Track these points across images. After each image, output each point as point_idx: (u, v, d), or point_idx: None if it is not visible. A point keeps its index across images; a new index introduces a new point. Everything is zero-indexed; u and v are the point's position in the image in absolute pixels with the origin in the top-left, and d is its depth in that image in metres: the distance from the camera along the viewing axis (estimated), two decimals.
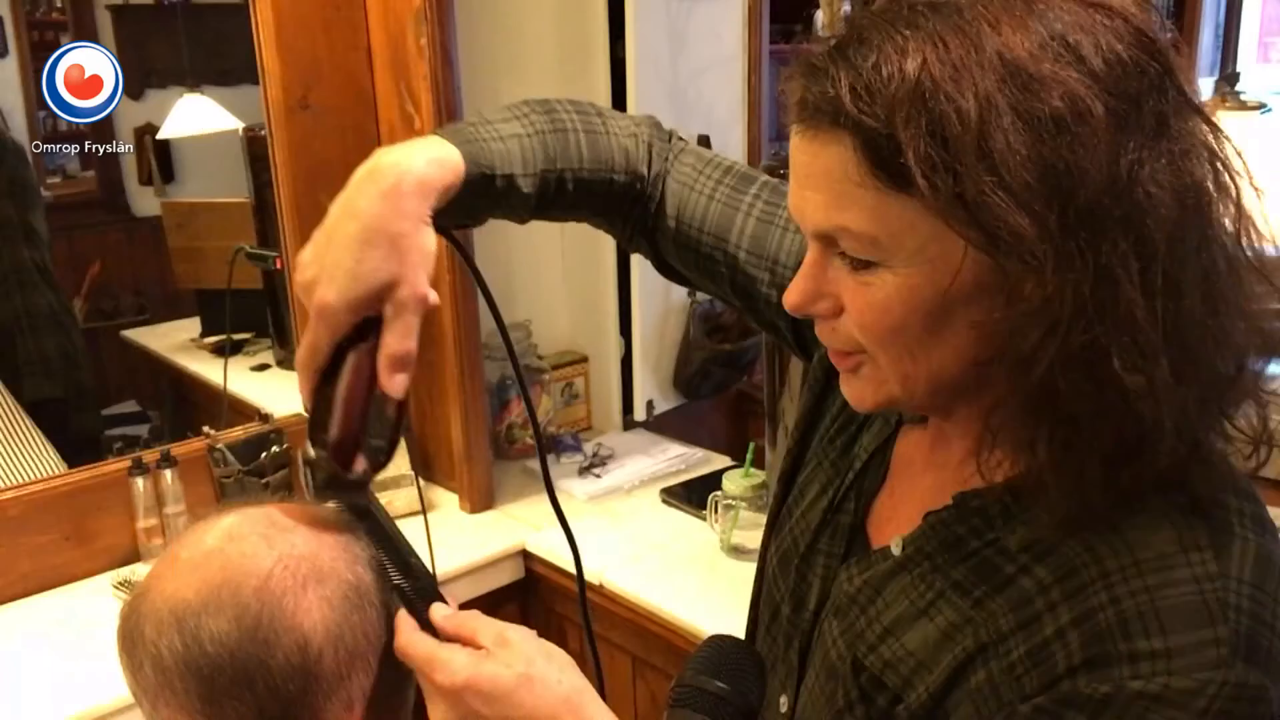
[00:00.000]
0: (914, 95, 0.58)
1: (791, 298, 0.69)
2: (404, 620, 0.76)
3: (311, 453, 0.74)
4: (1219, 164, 0.62)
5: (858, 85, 0.60)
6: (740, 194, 0.92)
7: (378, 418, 0.74)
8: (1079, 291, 0.58)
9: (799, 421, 0.93)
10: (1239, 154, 0.63)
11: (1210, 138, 0.62)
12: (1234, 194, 0.63)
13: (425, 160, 0.75)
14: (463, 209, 0.80)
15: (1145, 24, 0.61)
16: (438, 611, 0.76)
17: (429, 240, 0.74)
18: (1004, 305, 0.61)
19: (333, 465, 0.73)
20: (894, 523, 0.80)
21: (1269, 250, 0.64)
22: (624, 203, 0.92)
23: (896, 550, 0.75)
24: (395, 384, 0.73)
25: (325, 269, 0.72)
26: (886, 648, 0.73)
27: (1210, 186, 0.62)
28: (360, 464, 0.75)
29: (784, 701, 0.86)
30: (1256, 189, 0.64)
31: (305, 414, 0.75)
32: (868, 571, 0.78)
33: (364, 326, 0.73)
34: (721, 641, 0.78)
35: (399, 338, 0.72)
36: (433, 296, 0.74)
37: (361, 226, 0.72)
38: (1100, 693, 0.61)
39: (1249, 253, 0.63)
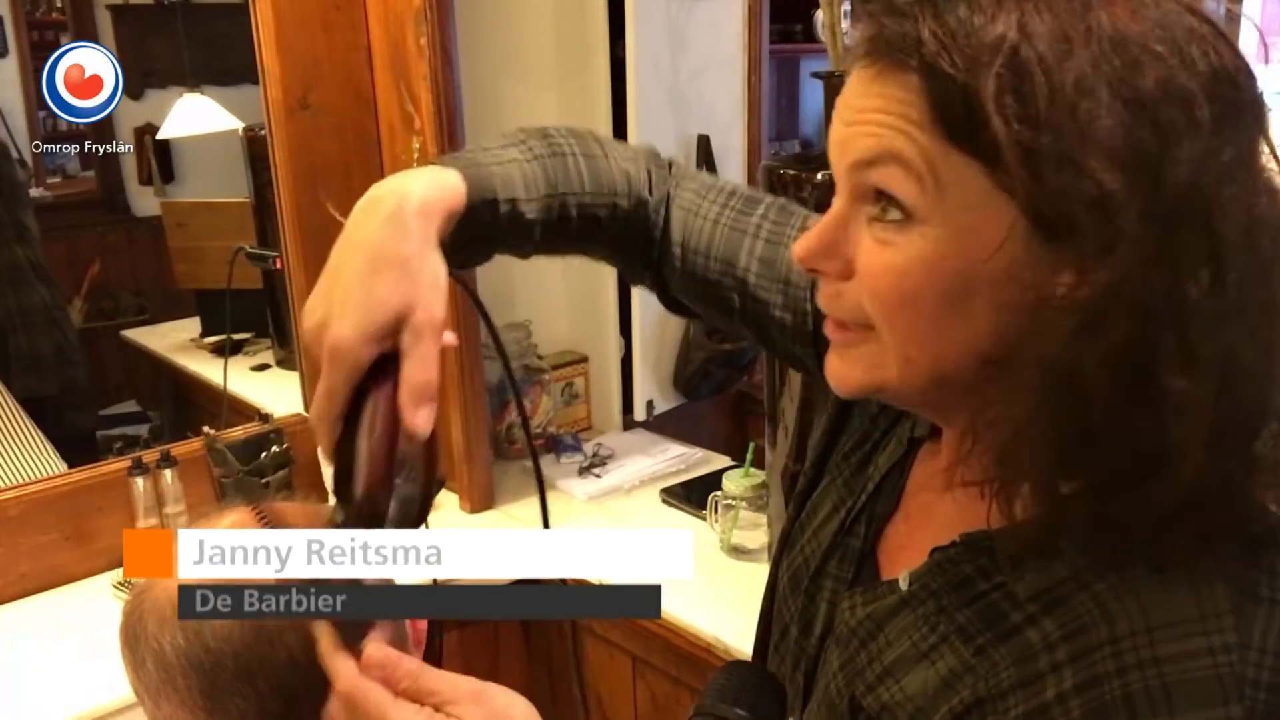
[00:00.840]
0: (1002, 47, 0.55)
1: (802, 247, 0.65)
2: (325, 632, 0.66)
3: (339, 516, 0.67)
4: None
5: (940, 28, 0.56)
6: (746, 216, 0.88)
7: (406, 464, 0.68)
8: (1144, 282, 0.54)
9: (818, 441, 0.89)
10: None
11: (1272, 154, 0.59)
12: None
13: (425, 185, 0.72)
14: (466, 243, 0.76)
15: (1244, 58, 0.58)
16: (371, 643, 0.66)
17: (439, 264, 0.70)
18: (1037, 293, 0.57)
19: (361, 524, 0.67)
20: (906, 551, 0.76)
21: None
22: (628, 231, 0.89)
23: (904, 585, 0.72)
24: (420, 419, 0.66)
25: (334, 305, 0.68)
26: (885, 689, 0.70)
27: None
28: (391, 514, 0.68)
29: None
30: None
31: (327, 464, 0.69)
32: (871, 605, 0.74)
33: (379, 367, 0.67)
34: (740, 668, 0.77)
35: (419, 368, 0.67)
36: (449, 337, 0.70)
37: (367, 256, 0.68)
38: None
39: None
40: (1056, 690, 0.59)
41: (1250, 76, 0.58)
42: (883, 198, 0.60)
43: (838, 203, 0.64)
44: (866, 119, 0.60)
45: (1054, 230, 0.55)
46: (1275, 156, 0.58)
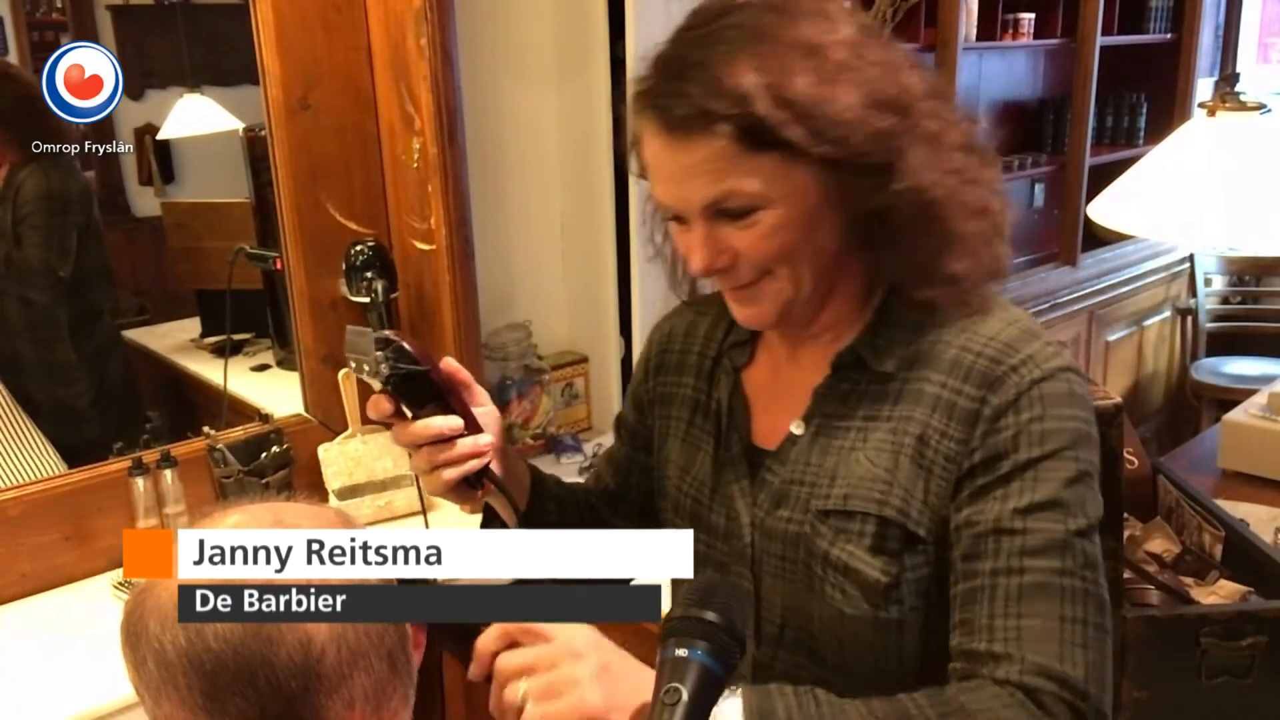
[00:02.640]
0: (756, 86, 0.82)
1: (702, 264, 0.89)
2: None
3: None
4: (924, 66, 0.93)
5: (711, 92, 0.83)
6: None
7: None
8: (907, 154, 0.86)
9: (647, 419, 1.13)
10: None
11: (914, 54, 0.97)
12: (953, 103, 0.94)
13: None
14: None
15: (844, 3, 0.91)
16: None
17: None
18: (855, 190, 0.87)
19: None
20: (777, 433, 0.98)
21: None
22: None
23: (798, 430, 0.97)
24: None
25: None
26: (838, 488, 0.93)
27: (935, 79, 0.93)
28: None
29: None
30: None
31: None
32: (789, 457, 0.97)
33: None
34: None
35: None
36: None
37: None
38: (1010, 395, 0.87)
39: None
40: (952, 390, 0.90)
41: (854, 8, 0.95)
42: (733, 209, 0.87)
43: (699, 227, 0.89)
44: (694, 173, 0.86)
45: (841, 166, 0.85)
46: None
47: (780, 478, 0.97)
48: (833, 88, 0.84)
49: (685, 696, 0.69)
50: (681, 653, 0.71)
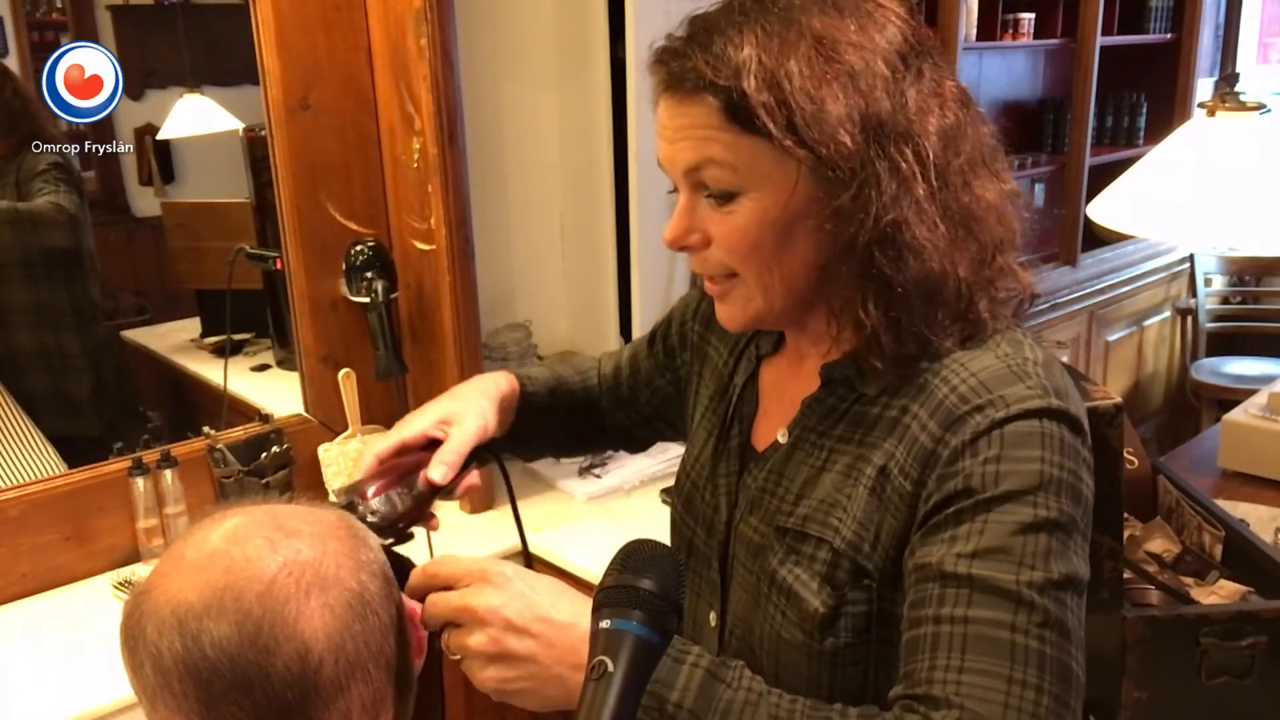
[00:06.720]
0: (750, 61, 0.79)
1: (669, 235, 0.88)
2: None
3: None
4: (970, 107, 0.87)
5: (709, 58, 0.81)
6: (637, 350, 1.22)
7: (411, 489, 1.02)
8: (884, 183, 0.81)
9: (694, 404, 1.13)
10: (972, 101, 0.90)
11: (959, 93, 0.87)
12: (984, 125, 0.88)
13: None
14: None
15: (908, 17, 0.86)
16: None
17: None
18: (831, 207, 0.81)
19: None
20: (773, 432, 0.96)
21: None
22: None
23: (783, 439, 0.94)
24: (437, 473, 1.02)
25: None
26: (800, 507, 0.90)
27: (964, 121, 0.86)
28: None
29: (713, 617, 0.99)
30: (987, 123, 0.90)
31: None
32: (767, 464, 0.95)
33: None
34: (639, 546, 0.76)
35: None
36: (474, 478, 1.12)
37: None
38: (967, 435, 0.80)
39: (991, 167, 0.88)
40: (919, 425, 0.84)
41: (918, 26, 0.86)
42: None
43: (682, 197, 0.87)
44: (683, 135, 0.84)
45: (824, 163, 0.80)
46: (946, 74, 0.86)
47: (757, 483, 0.95)
48: (827, 87, 0.79)
49: (614, 669, 0.66)
50: (610, 625, 0.69)
